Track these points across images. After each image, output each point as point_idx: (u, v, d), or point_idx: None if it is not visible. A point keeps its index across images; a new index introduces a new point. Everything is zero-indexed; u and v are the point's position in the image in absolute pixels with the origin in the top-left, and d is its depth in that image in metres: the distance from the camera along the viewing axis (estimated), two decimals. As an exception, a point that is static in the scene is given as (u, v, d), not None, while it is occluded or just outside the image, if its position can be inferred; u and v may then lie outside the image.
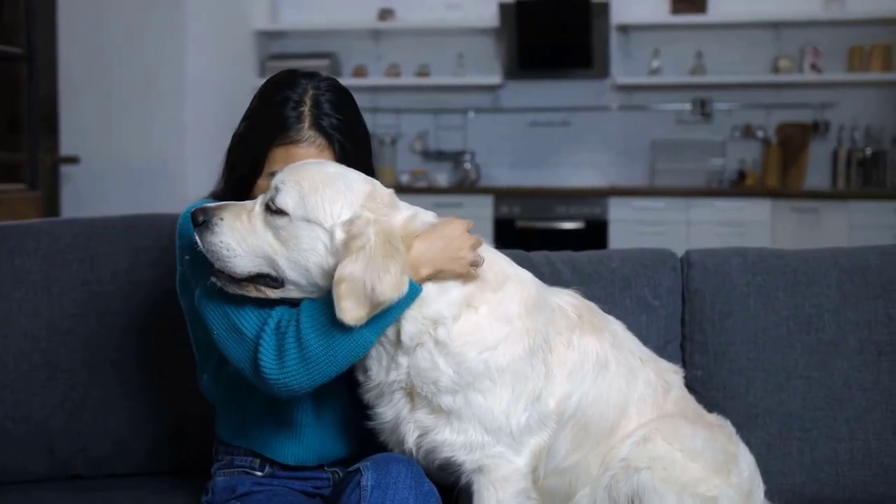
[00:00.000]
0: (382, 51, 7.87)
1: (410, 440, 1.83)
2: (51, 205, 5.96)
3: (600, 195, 7.17)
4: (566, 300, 1.97)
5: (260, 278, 1.77)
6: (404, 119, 7.90)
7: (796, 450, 2.25)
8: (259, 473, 2.04)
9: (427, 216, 1.84)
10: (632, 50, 7.57)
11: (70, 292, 2.42)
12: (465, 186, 7.53)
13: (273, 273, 1.76)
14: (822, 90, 7.35)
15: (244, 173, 1.92)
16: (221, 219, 1.75)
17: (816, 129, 7.31)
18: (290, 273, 1.75)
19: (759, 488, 2.04)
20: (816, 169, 7.29)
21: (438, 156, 7.84)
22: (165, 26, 6.54)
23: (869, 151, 7.09)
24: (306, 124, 1.89)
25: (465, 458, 1.82)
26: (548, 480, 1.92)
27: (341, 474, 2.04)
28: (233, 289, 1.78)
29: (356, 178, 1.80)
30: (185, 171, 6.55)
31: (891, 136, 7.19)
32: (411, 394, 1.81)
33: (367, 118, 7.61)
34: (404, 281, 1.70)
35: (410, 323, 1.77)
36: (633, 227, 7.00)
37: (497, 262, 1.87)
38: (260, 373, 1.76)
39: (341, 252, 1.70)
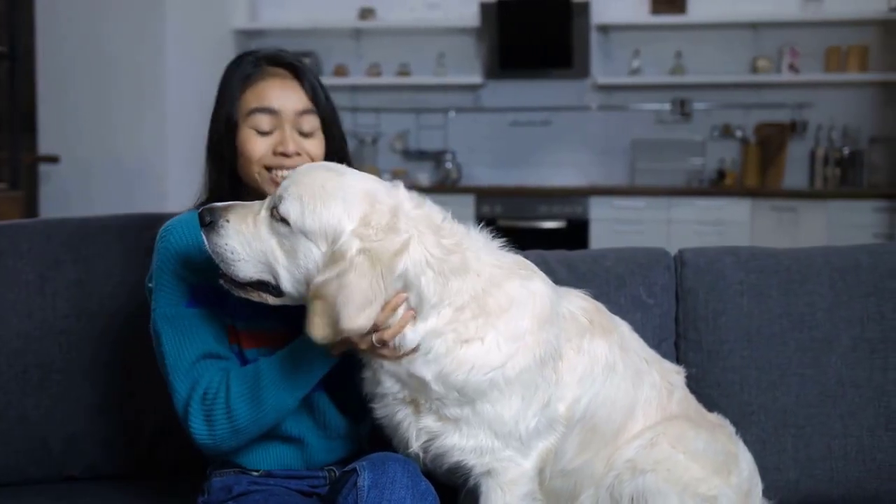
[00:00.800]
0: (363, 50, 7.87)
1: (415, 445, 1.82)
2: (29, 204, 5.91)
3: (581, 194, 7.19)
4: (577, 303, 1.96)
5: (262, 285, 1.76)
6: (385, 118, 7.90)
7: (791, 446, 2.26)
8: (255, 473, 2.03)
9: (426, 238, 1.74)
10: (612, 50, 7.61)
11: (64, 293, 2.40)
12: (447, 186, 7.53)
13: (273, 282, 1.74)
14: (799, 90, 7.42)
15: (228, 153, 1.96)
16: (227, 221, 1.73)
17: (794, 128, 7.37)
18: (287, 283, 1.73)
19: (758, 487, 2.06)
20: (794, 168, 7.36)
21: (419, 155, 7.84)
22: (145, 25, 6.50)
23: (847, 151, 7.16)
24: (265, 62, 1.98)
25: (476, 462, 1.81)
26: (554, 482, 1.92)
27: (338, 473, 2.04)
28: (237, 292, 1.77)
29: (356, 195, 1.72)
30: (166, 170, 6.51)
31: (867, 135, 7.27)
32: (414, 402, 1.80)
33: (348, 117, 7.63)
34: (370, 316, 1.66)
35: (390, 378, 1.79)
36: (613, 226, 7.03)
37: (503, 292, 1.80)
38: (190, 433, 1.86)
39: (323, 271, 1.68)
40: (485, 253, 1.84)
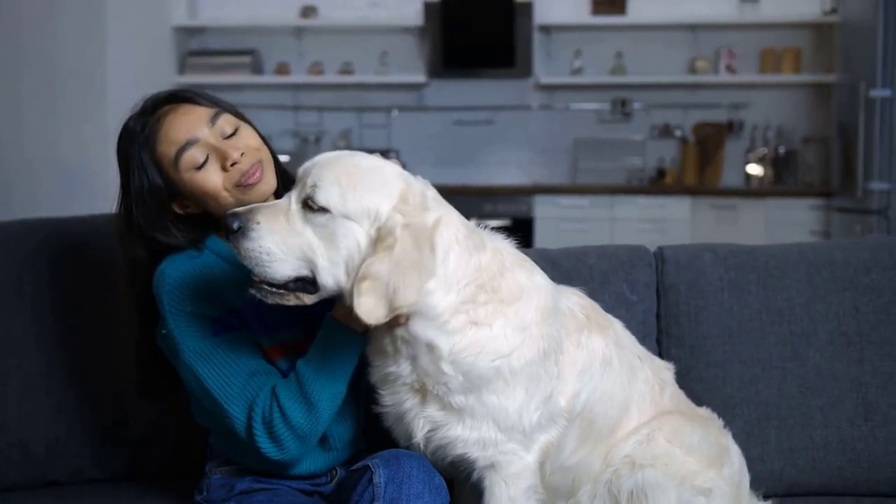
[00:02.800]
0: (305, 48, 7.81)
1: (419, 434, 1.83)
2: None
3: (526, 193, 7.25)
4: (574, 300, 1.99)
5: (297, 282, 1.73)
6: (327, 117, 7.85)
7: (774, 438, 2.33)
8: (257, 472, 2.02)
9: (453, 217, 1.79)
10: (554, 50, 7.68)
11: (42, 295, 2.36)
12: (391, 185, 7.51)
13: (311, 275, 1.71)
14: (736, 91, 7.58)
15: (156, 194, 1.93)
16: (258, 223, 1.69)
17: (731, 128, 7.54)
18: (326, 273, 1.70)
19: (746, 478, 2.12)
20: (731, 167, 7.53)
21: (363, 154, 7.81)
22: (88, 22, 6.37)
23: (782, 150, 7.35)
24: (149, 113, 1.94)
25: (479, 455, 1.83)
26: (553, 477, 1.95)
27: (338, 471, 2.04)
28: (273, 299, 1.73)
29: (391, 174, 1.75)
30: (108, 171, 6.35)
31: (801, 135, 7.46)
32: (421, 390, 1.81)
33: (290, 116, 7.58)
34: (426, 288, 1.70)
35: (405, 340, 1.78)
36: (558, 224, 7.10)
37: (514, 279, 1.84)
38: (264, 456, 1.86)
39: (370, 251, 1.68)
40: (497, 240, 1.89)
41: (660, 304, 2.46)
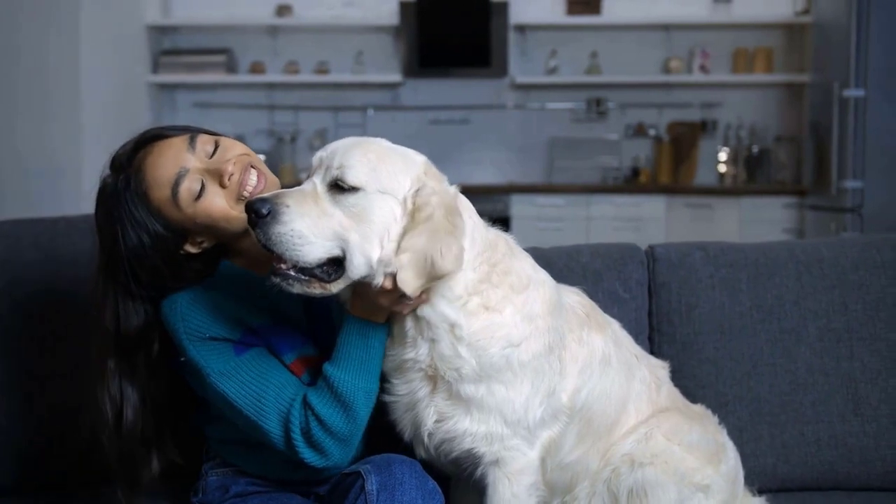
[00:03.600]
0: (280, 47, 7.78)
1: (429, 422, 1.82)
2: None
3: (503, 192, 7.27)
4: (574, 299, 2.00)
5: (324, 267, 1.70)
6: (303, 116, 7.83)
7: (767, 434, 2.35)
8: (253, 474, 2.02)
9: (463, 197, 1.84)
10: (529, 50, 7.71)
11: (34, 296, 2.33)
12: (368, 184, 7.50)
13: (342, 255, 1.69)
14: (709, 90, 7.65)
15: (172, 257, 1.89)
16: (287, 206, 1.66)
17: (704, 127, 7.60)
18: (359, 251, 1.68)
19: (741, 473, 2.14)
20: (705, 166, 7.59)
21: (338, 153, 7.80)
22: (58, 20, 6.30)
23: (756, 149, 7.43)
24: (129, 166, 1.88)
25: (485, 450, 1.83)
26: (552, 474, 1.95)
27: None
28: (299, 287, 1.70)
29: (409, 150, 1.79)
30: (81, 170, 6.32)
31: (773, 134, 7.54)
32: (433, 377, 1.81)
33: (265, 115, 7.56)
34: (462, 256, 1.72)
35: (428, 321, 1.78)
36: (534, 223, 7.12)
37: (522, 266, 1.87)
38: (307, 464, 1.83)
39: (408, 223, 1.69)
40: (494, 228, 1.92)
41: (651, 302, 2.48)
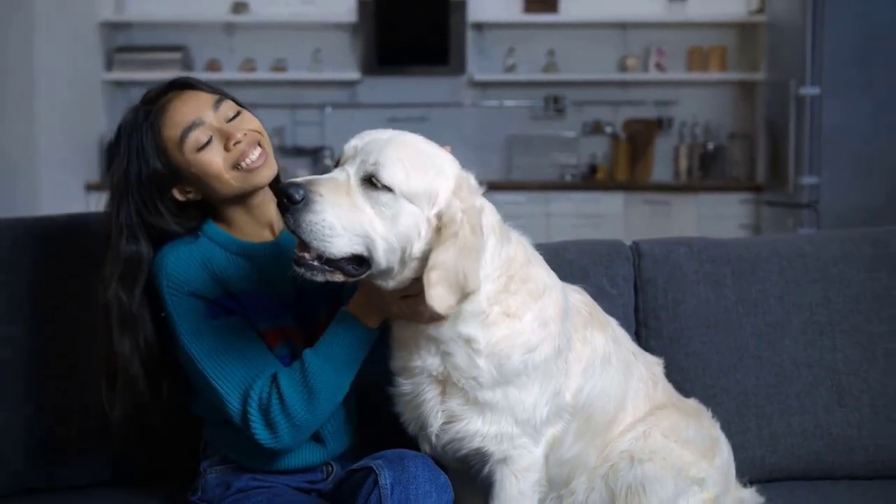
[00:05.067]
0: (236, 45, 7.71)
1: (435, 425, 1.83)
2: None
3: (462, 190, 7.26)
4: (577, 297, 2.02)
5: (347, 260, 1.69)
6: (260, 114, 7.44)
7: (754, 425, 2.39)
8: (254, 470, 2.01)
9: (490, 205, 1.82)
10: (487, 48, 7.73)
11: (17, 297, 2.29)
12: (327, 182, 7.46)
13: (366, 254, 1.68)
14: (665, 88, 7.74)
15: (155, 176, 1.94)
16: (321, 195, 1.63)
17: (660, 125, 7.69)
18: (383, 254, 1.67)
19: (733, 465, 2.18)
20: (661, 163, 7.68)
21: (296, 152, 7.75)
22: (11, 18, 6.17)
23: (711, 147, 7.54)
24: (153, 102, 1.98)
25: (495, 449, 1.84)
26: (551, 470, 1.97)
27: (334, 467, 2.04)
28: (322, 276, 1.68)
29: (446, 160, 1.76)
30: (36, 168, 6.22)
31: (727, 132, 7.66)
32: (444, 382, 1.81)
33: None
34: (480, 273, 1.72)
35: (438, 340, 1.79)
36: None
37: (538, 273, 1.88)
38: (256, 441, 1.86)
39: (433, 237, 1.68)
40: (516, 233, 1.92)
41: (638, 298, 2.51)
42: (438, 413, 1.82)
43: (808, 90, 5.92)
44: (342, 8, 7.53)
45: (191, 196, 1.99)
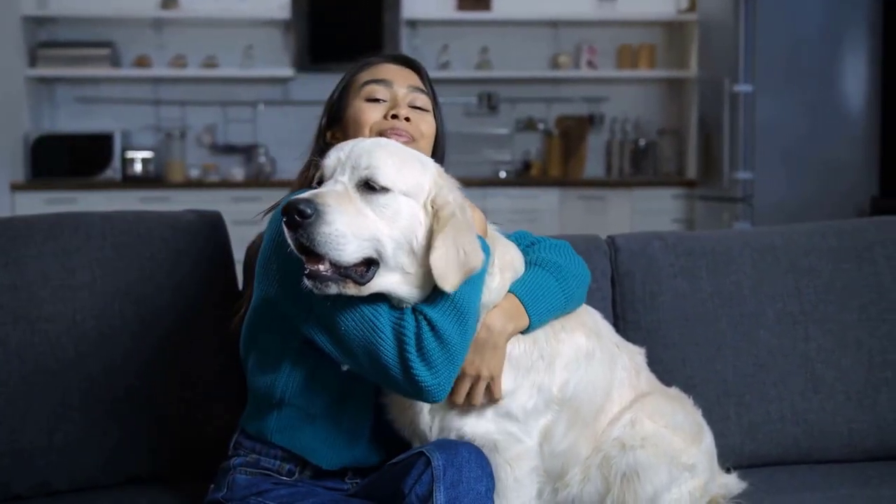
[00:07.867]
0: (166, 40, 7.57)
1: (432, 437, 1.92)
2: None
3: (399, 187, 7.26)
4: None
5: (359, 266, 1.72)
6: (191, 112, 7.64)
7: (734, 413, 2.45)
8: (286, 479, 1.99)
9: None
10: (421, 45, 7.74)
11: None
12: (261, 181, 7.40)
13: (376, 256, 1.72)
14: (596, 85, 7.85)
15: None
16: (329, 205, 1.68)
17: (592, 121, 7.81)
18: (392, 252, 1.73)
19: (715, 451, 2.24)
20: (594, 159, 7.79)
21: (228, 149, 7.65)
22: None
23: (643, 143, 7.67)
24: (384, 59, 2.13)
25: (482, 434, 1.91)
26: (547, 462, 2.01)
27: (350, 475, 2.03)
28: (334, 287, 1.69)
29: (422, 155, 1.88)
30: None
31: (656, 128, 7.81)
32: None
33: (151, 111, 7.34)
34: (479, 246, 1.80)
35: None
36: (432, 217, 7.14)
37: (507, 251, 2.00)
38: (417, 386, 1.76)
39: (432, 224, 1.76)
40: None
41: (615, 291, 2.55)
42: (432, 428, 1.91)
43: (742, 87, 6.07)
44: (274, 4, 7.46)
45: (336, 140, 2.04)
